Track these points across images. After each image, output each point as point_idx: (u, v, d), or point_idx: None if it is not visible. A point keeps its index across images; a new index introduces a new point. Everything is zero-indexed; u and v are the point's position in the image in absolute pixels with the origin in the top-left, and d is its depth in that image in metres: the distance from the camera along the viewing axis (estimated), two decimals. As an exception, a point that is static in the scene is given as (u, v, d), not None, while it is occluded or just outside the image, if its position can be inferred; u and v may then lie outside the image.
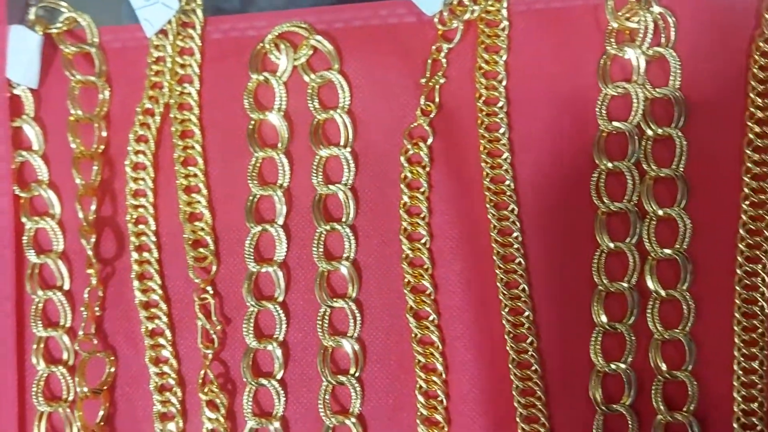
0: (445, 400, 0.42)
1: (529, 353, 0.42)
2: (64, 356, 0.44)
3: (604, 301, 0.42)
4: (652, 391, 0.41)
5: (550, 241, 0.42)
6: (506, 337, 0.42)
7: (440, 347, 0.42)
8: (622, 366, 0.41)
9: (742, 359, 0.41)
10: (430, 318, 0.43)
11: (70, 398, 0.43)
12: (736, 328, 0.41)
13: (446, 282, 0.43)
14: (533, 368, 0.42)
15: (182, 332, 0.44)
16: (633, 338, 0.41)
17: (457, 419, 0.42)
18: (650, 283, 0.41)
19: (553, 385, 0.42)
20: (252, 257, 0.43)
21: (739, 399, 0.41)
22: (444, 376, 0.42)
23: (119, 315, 0.44)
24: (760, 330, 0.41)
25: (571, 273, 0.42)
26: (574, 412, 0.42)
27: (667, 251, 0.41)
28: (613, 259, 0.42)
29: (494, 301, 0.42)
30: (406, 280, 0.43)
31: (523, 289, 0.42)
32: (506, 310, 0.42)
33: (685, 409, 0.41)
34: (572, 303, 0.42)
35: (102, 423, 0.43)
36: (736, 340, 0.41)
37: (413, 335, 0.42)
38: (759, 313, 0.41)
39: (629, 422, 0.41)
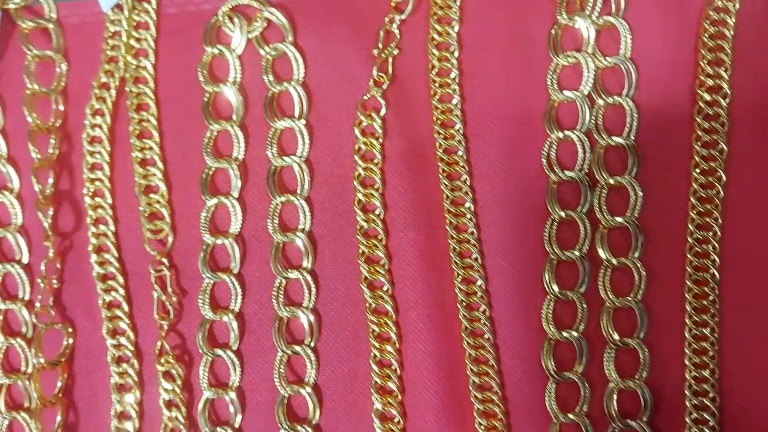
0: (398, 369, 0.42)
1: (482, 321, 0.42)
2: (23, 329, 0.44)
3: (556, 270, 0.42)
4: (604, 359, 0.41)
5: (502, 211, 0.43)
6: (459, 306, 0.42)
7: (394, 316, 0.43)
8: (574, 334, 0.41)
9: (693, 326, 0.41)
10: (384, 288, 0.43)
11: (29, 371, 0.44)
12: (687, 295, 0.41)
13: (400, 252, 0.43)
14: (486, 336, 0.42)
15: (139, 304, 0.44)
16: (585, 306, 0.41)
17: (410, 387, 0.42)
18: (601, 252, 0.42)
19: (505, 353, 0.42)
20: (207, 229, 0.44)
21: (691, 366, 0.41)
22: (398, 345, 0.42)
23: (77, 288, 0.44)
24: (711, 297, 0.41)
25: (524, 242, 0.42)
26: (526, 380, 0.42)
27: (618, 219, 0.41)
28: (565, 229, 0.42)
29: (447, 271, 0.43)
30: (360, 250, 0.43)
31: (476, 259, 0.42)
32: (459, 279, 0.42)
33: (636, 377, 0.41)
34: (524, 272, 0.42)
35: (59, 394, 0.44)
36: (687, 307, 0.41)
37: (367, 305, 0.43)
38: (710, 280, 0.41)
39: (581, 390, 0.41)
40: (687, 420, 0.41)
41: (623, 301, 0.41)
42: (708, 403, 0.41)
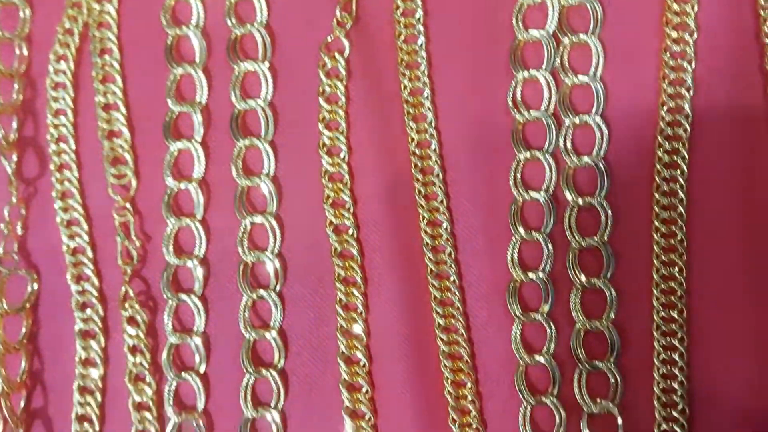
0: (364, 312, 0.42)
1: (448, 264, 0.42)
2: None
3: (521, 212, 0.41)
4: (571, 300, 0.41)
5: (468, 153, 0.42)
6: (424, 248, 0.42)
7: (359, 260, 0.42)
8: (540, 275, 0.41)
9: (660, 266, 0.40)
10: (350, 232, 0.42)
11: (-7, 318, 0.44)
12: (654, 235, 0.41)
13: (365, 195, 0.42)
14: (451, 279, 0.42)
15: (103, 250, 0.44)
16: (550, 248, 0.41)
17: (377, 331, 0.42)
18: (567, 193, 0.41)
19: (471, 296, 0.42)
20: (170, 174, 0.43)
21: (659, 307, 0.40)
22: (363, 288, 0.42)
23: (41, 234, 0.44)
24: (678, 236, 0.40)
25: (489, 184, 0.42)
26: (492, 322, 0.41)
27: (585, 159, 0.41)
28: (530, 169, 0.42)
29: (413, 213, 0.42)
30: (325, 194, 0.43)
31: (442, 201, 0.42)
32: (425, 222, 0.42)
33: (603, 318, 0.40)
34: (490, 214, 0.42)
35: (24, 341, 0.43)
36: (655, 247, 0.41)
37: (333, 249, 0.42)
38: (677, 219, 0.40)
39: (547, 331, 0.41)
40: (655, 361, 0.40)
41: (589, 241, 0.41)
42: (676, 344, 0.40)
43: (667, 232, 0.41)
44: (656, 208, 0.41)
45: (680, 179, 0.41)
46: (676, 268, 0.40)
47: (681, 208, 0.40)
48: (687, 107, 0.41)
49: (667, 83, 0.41)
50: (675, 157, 0.41)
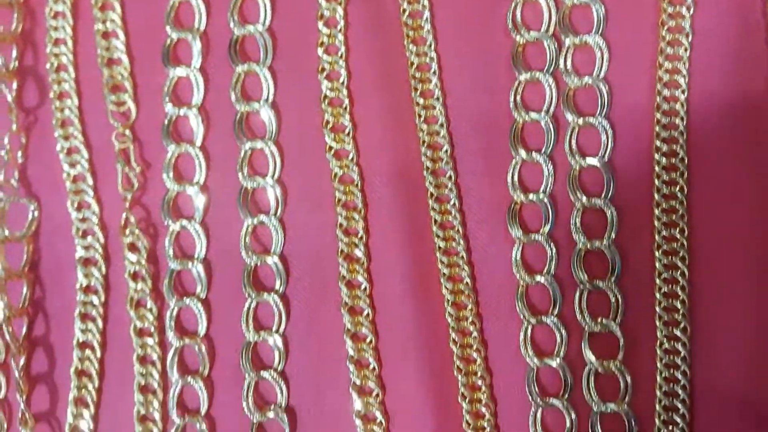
0: (365, 237, 0.42)
1: (448, 187, 0.42)
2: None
3: (521, 134, 0.41)
4: (571, 221, 0.41)
5: (467, 75, 0.42)
6: (425, 172, 0.42)
7: (360, 184, 0.42)
8: (541, 196, 0.41)
9: (662, 186, 0.40)
10: (350, 156, 0.42)
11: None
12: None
13: (365, 119, 0.42)
14: (452, 202, 0.41)
15: (103, 178, 0.44)
16: (551, 168, 0.41)
17: (377, 255, 0.42)
18: (568, 114, 0.41)
19: (471, 219, 0.42)
20: (170, 101, 0.43)
21: (660, 227, 0.40)
22: (363, 212, 0.42)
23: (41, 163, 0.44)
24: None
25: (489, 104, 0.42)
26: (493, 244, 0.41)
27: (586, 79, 0.41)
28: (530, 90, 0.41)
29: (413, 135, 0.42)
30: (325, 119, 0.42)
31: (442, 124, 0.42)
32: (425, 145, 0.42)
33: (605, 237, 0.40)
34: (489, 137, 0.42)
35: (25, 268, 0.44)
36: (656, 167, 0.41)
37: (332, 174, 0.42)
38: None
39: (548, 251, 0.40)
40: (657, 281, 0.40)
41: (590, 161, 0.41)
42: (678, 263, 0.40)
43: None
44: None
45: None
46: (677, 187, 0.40)
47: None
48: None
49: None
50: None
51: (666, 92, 0.40)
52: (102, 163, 0.44)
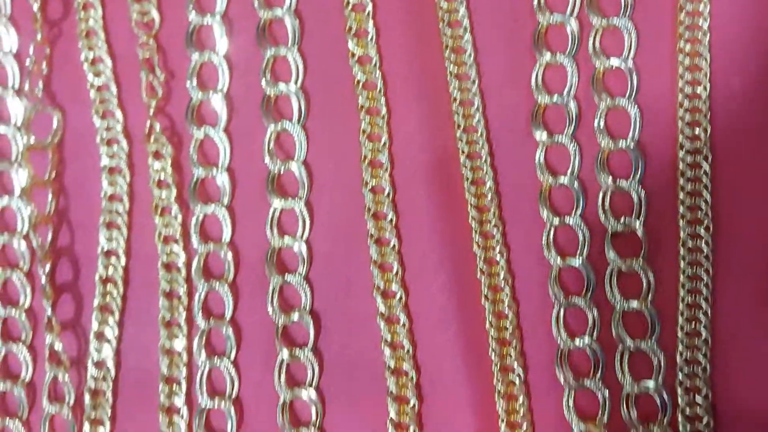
0: (388, 143, 0.42)
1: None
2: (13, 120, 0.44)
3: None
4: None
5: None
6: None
7: (383, 90, 0.42)
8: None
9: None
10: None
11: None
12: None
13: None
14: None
15: (128, 88, 0.44)
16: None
17: (399, 161, 0.42)
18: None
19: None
20: (193, 9, 0.43)
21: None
22: (387, 117, 0.42)
23: (66, 73, 0.44)
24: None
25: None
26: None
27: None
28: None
29: (437, 42, 0.42)
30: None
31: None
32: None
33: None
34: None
35: (51, 177, 0.44)
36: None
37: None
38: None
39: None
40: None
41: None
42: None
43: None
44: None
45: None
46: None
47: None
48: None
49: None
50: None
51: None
52: (126, 72, 0.44)
